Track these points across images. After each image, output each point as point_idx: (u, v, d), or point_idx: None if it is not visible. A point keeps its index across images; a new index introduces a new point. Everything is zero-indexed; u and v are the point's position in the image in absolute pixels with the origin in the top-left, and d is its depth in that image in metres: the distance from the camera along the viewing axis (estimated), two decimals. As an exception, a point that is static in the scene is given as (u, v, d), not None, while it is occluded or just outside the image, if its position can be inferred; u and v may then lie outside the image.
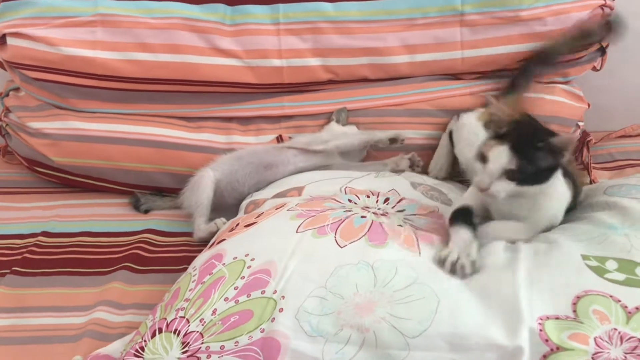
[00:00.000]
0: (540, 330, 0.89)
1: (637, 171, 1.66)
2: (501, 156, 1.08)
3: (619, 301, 0.92)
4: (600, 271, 0.99)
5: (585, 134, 1.70)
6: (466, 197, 1.21)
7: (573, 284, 0.96)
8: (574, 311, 0.91)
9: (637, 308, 0.90)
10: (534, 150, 1.08)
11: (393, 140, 1.53)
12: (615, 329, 0.88)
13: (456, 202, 1.24)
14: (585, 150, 1.67)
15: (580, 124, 1.66)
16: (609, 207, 1.20)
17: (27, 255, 1.42)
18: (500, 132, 1.11)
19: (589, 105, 1.67)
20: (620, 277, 0.97)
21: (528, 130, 1.14)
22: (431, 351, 0.91)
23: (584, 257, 1.03)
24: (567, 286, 0.96)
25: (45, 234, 1.50)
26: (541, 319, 0.91)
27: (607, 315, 0.90)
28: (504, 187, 1.09)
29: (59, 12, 1.58)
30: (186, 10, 1.60)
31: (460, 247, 1.08)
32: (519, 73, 1.56)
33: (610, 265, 1.00)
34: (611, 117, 1.88)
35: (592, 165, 1.66)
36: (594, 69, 1.69)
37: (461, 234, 1.11)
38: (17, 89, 1.70)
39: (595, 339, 0.87)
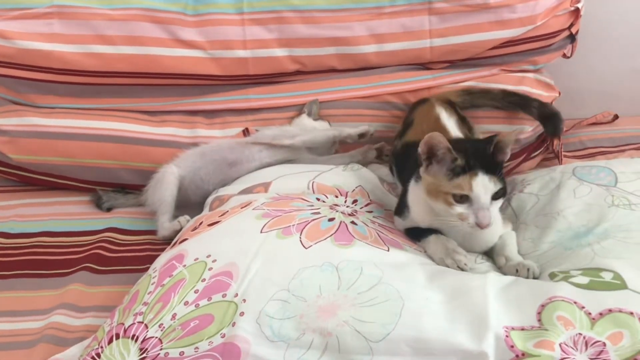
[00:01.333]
0: (506, 336, 0.87)
1: (608, 158, 1.65)
2: (485, 185, 1.06)
3: (583, 307, 0.90)
4: (564, 278, 0.98)
5: (556, 122, 1.69)
6: (416, 220, 1.18)
7: (538, 292, 0.95)
8: (539, 320, 0.89)
9: (600, 314, 0.89)
10: (491, 159, 1.07)
11: (362, 135, 1.51)
12: (580, 334, 0.87)
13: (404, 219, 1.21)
14: (555, 139, 1.65)
15: (543, 102, 1.64)
16: (576, 197, 1.21)
17: (-17, 258, 1.38)
18: (460, 164, 1.07)
19: (559, 93, 1.65)
20: (584, 280, 0.96)
21: (472, 147, 1.11)
22: (394, 356, 0.89)
23: (551, 276, 1.03)
24: (533, 295, 0.94)
25: (3, 234, 1.46)
26: (507, 328, 0.89)
27: (571, 320, 0.89)
28: (494, 210, 1.08)
29: (13, 3, 1.53)
30: (146, 0, 1.55)
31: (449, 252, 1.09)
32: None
33: (575, 272, 1.00)
34: (583, 104, 1.87)
35: (563, 153, 1.65)
36: (564, 56, 1.67)
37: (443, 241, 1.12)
38: (-29, 85, 1.64)
39: (560, 344, 0.86)
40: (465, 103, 1.55)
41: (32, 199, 1.59)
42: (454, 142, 1.09)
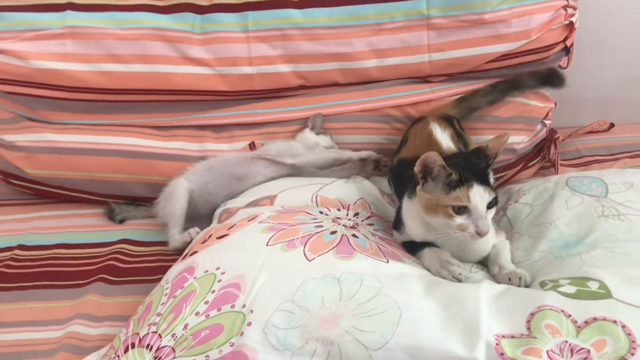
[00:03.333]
0: (497, 344, 0.93)
1: (603, 167, 1.70)
2: (482, 195, 1.11)
3: (570, 316, 0.96)
4: (553, 287, 1.04)
5: (552, 131, 1.74)
6: (410, 235, 1.24)
7: (528, 301, 1.00)
8: (528, 328, 0.95)
9: (586, 322, 0.94)
10: (486, 168, 1.13)
11: (363, 160, 1.55)
12: (566, 341, 0.92)
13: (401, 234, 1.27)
14: (552, 148, 1.71)
15: (547, 122, 1.69)
16: (568, 208, 1.27)
17: (3, 269, 1.44)
18: (451, 180, 1.13)
19: (555, 103, 1.70)
20: (572, 289, 1.01)
21: (463, 160, 1.17)
22: (392, 363, 0.95)
23: (542, 284, 1.08)
24: (523, 304, 0.99)
25: (21, 247, 1.51)
26: (498, 336, 0.94)
27: (558, 328, 0.94)
28: (490, 218, 1.14)
29: (28, 25, 1.58)
30: (155, 20, 1.61)
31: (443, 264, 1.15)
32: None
33: (563, 282, 1.05)
34: (579, 112, 1.92)
35: (560, 162, 1.69)
36: (560, 67, 1.71)
37: (437, 253, 1.17)
38: (-11, 102, 1.71)
39: (547, 352, 0.91)
40: (463, 111, 1.60)
41: (48, 211, 1.65)
42: (447, 158, 1.14)
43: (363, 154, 1.55)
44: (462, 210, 1.12)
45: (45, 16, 1.59)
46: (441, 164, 1.12)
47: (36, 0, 1.60)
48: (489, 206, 1.13)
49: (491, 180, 1.17)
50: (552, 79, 1.58)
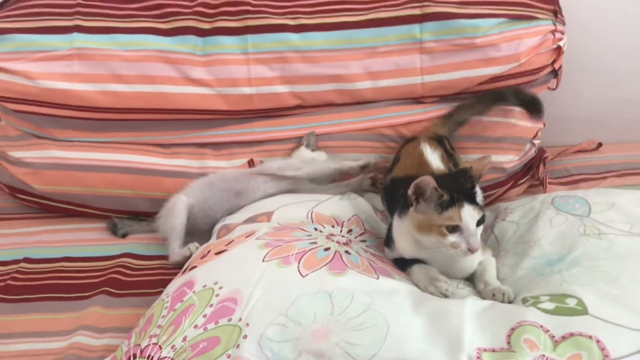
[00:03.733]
0: (478, 357, 0.98)
1: (591, 185, 1.75)
2: (472, 214, 1.18)
3: (548, 331, 1.01)
4: (534, 303, 1.09)
5: (541, 150, 1.79)
6: (400, 252, 1.30)
7: (509, 316, 1.06)
8: (508, 342, 1.00)
9: (563, 337, 1.00)
10: (473, 189, 1.19)
11: (364, 167, 1.62)
12: (544, 355, 0.97)
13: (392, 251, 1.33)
14: (541, 167, 1.76)
15: (536, 141, 1.75)
16: (552, 226, 1.32)
17: (9, 282, 1.49)
18: (442, 201, 1.18)
19: (544, 124, 1.75)
20: (551, 306, 1.07)
21: (451, 181, 1.23)
22: (379, 375, 1.00)
23: (524, 300, 1.13)
24: (504, 319, 1.05)
25: (27, 260, 1.57)
26: (479, 350, 1.00)
27: (536, 343, 0.99)
28: (479, 235, 1.20)
29: (36, 46, 1.64)
30: (158, 42, 1.67)
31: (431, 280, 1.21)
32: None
33: (544, 298, 1.11)
34: (569, 132, 1.98)
35: (548, 180, 1.75)
36: (549, 88, 1.77)
37: (425, 270, 1.23)
38: (-3, 119, 1.77)
39: None
40: (451, 127, 1.64)
41: (52, 225, 1.71)
42: (436, 179, 1.20)
43: (363, 161, 1.61)
44: (454, 229, 1.18)
45: (53, 38, 1.65)
46: (434, 186, 1.18)
47: (44, 23, 1.66)
48: (478, 223, 1.19)
49: (479, 198, 1.23)
50: (532, 106, 1.62)
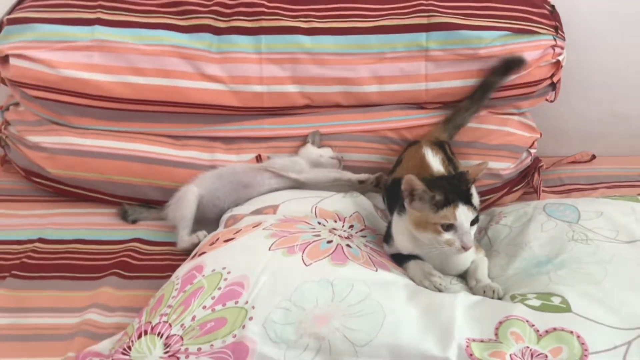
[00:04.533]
0: (467, 346, 1.06)
1: (583, 195, 1.83)
2: (466, 214, 1.25)
3: (533, 325, 1.09)
4: (521, 300, 1.17)
5: (537, 160, 1.87)
6: (398, 248, 1.36)
7: (498, 311, 1.13)
8: (496, 334, 1.08)
9: (546, 331, 1.08)
10: (469, 190, 1.26)
11: (362, 182, 1.67)
12: (528, 347, 1.05)
13: (390, 247, 1.39)
14: (536, 175, 1.83)
15: (532, 151, 1.82)
16: (543, 231, 1.40)
17: (25, 260, 1.56)
18: (436, 200, 1.26)
19: (540, 134, 1.83)
20: (537, 303, 1.14)
21: (447, 182, 1.30)
22: (375, 358, 1.07)
23: (512, 297, 1.21)
24: (493, 313, 1.13)
25: (41, 240, 1.63)
26: (468, 340, 1.07)
27: (521, 335, 1.07)
28: (473, 235, 1.27)
29: (59, 36, 1.71)
30: (176, 38, 1.73)
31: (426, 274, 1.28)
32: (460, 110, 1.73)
33: (531, 296, 1.18)
34: (564, 143, 2.05)
35: (542, 188, 1.82)
36: (548, 100, 1.84)
37: (421, 265, 1.30)
38: (17, 104, 1.83)
39: (511, 355, 1.04)
40: (452, 131, 1.71)
41: (66, 209, 1.77)
42: (434, 180, 1.29)
43: (362, 176, 1.67)
44: (449, 227, 1.26)
45: (75, 29, 1.72)
46: (422, 187, 1.26)
47: (68, 15, 1.73)
48: (472, 223, 1.27)
49: (475, 200, 1.30)
50: (512, 64, 1.67)
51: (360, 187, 1.67)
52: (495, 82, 1.70)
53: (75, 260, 1.57)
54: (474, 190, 1.32)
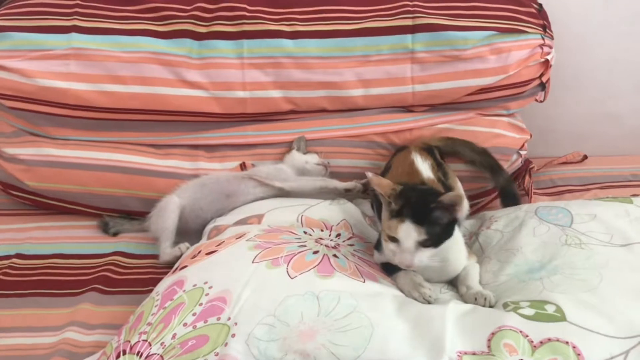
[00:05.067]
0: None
1: (575, 197, 1.80)
2: (409, 233, 1.20)
3: (527, 336, 1.05)
4: (514, 309, 1.12)
5: (527, 161, 1.84)
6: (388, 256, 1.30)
7: (490, 321, 1.09)
8: (489, 346, 1.04)
9: (541, 342, 1.04)
10: (431, 212, 1.21)
11: (348, 190, 1.64)
12: (522, 359, 1.01)
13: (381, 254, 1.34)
14: (527, 177, 1.80)
15: (523, 152, 1.79)
16: (535, 235, 1.36)
17: (1, 277, 1.51)
18: (395, 209, 1.22)
19: (530, 135, 1.80)
20: (531, 312, 1.10)
21: (416, 196, 1.25)
22: (363, 375, 1.03)
23: (504, 305, 1.16)
24: (485, 324, 1.08)
25: (19, 255, 1.59)
26: (460, 353, 1.03)
27: (515, 347, 1.03)
28: (424, 256, 1.21)
29: (34, 45, 1.66)
30: (155, 44, 1.69)
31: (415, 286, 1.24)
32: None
33: (524, 304, 1.14)
34: (555, 144, 2.02)
35: (534, 190, 1.79)
36: (537, 101, 1.82)
37: (411, 276, 1.26)
38: (-8, 115, 1.78)
39: None
40: (446, 147, 1.67)
41: (45, 222, 1.72)
42: (410, 188, 1.26)
43: (349, 184, 1.64)
44: (393, 239, 1.22)
45: (51, 37, 1.67)
46: (379, 192, 1.23)
47: (43, 22, 1.68)
48: (424, 245, 1.20)
49: (433, 223, 1.21)
50: (509, 198, 1.64)
51: (347, 195, 1.64)
52: (498, 182, 1.66)
53: (54, 276, 1.53)
54: (438, 213, 1.22)
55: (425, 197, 1.23)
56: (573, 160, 1.97)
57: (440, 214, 1.21)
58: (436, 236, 1.21)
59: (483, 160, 1.67)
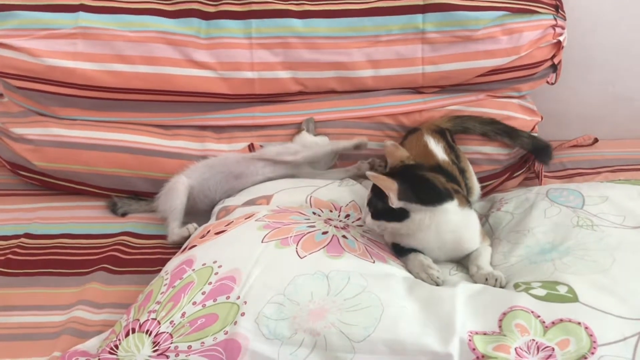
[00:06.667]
0: (470, 340, 1.01)
1: (585, 180, 1.78)
2: (367, 195, 1.24)
3: (539, 316, 1.04)
4: (526, 289, 1.12)
5: (538, 144, 1.81)
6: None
7: (501, 301, 1.08)
8: (500, 326, 1.03)
9: (553, 323, 1.03)
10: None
11: (357, 147, 1.64)
12: (533, 340, 1.00)
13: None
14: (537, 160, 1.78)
15: (533, 134, 1.77)
16: (546, 217, 1.35)
17: (10, 256, 1.51)
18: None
19: (541, 117, 1.78)
20: (542, 292, 1.09)
21: (401, 174, 1.28)
22: (373, 354, 1.03)
23: (515, 286, 1.16)
24: (496, 304, 1.08)
25: (27, 235, 1.58)
26: (471, 333, 1.02)
27: (527, 328, 1.02)
28: (369, 221, 1.28)
29: (41, 24, 1.65)
30: (163, 23, 1.68)
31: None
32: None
33: (535, 284, 1.13)
34: (566, 127, 2.00)
35: (544, 174, 1.77)
36: (548, 83, 1.79)
37: (420, 258, 1.27)
38: (0, 95, 1.77)
39: (516, 349, 0.99)
40: (456, 127, 1.66)
41: (53, 202, 1.72)
42: (413, 167, 1.32)
43: (356, 140, 1.64)
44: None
45: (58, 16, 1.66)
46: (388, 160, 1.39)
47: (50, 1, 1.67)
48: (372, 215, 1.28)
49: (380, 201, 1.27)
50: (543, 152, 1.66)
51: (358, 167, 1.65)
52: (521, 143, 1.67)
53: (63, 255, 1.53)
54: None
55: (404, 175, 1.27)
56: (584, 143, 1.95)
57: (381, 192, 1.24)
58: (376, 210, 1.27)
59: (495, 129, 1.66)
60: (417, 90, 1.73)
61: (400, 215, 1.24)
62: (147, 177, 1.70)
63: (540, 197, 1.44)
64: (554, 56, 1.71)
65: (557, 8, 1.70)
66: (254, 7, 1.69)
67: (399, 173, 1.30)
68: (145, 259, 1.52)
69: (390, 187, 1.22)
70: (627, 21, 1.91)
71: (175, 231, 1.53)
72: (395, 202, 1.22)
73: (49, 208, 1.70)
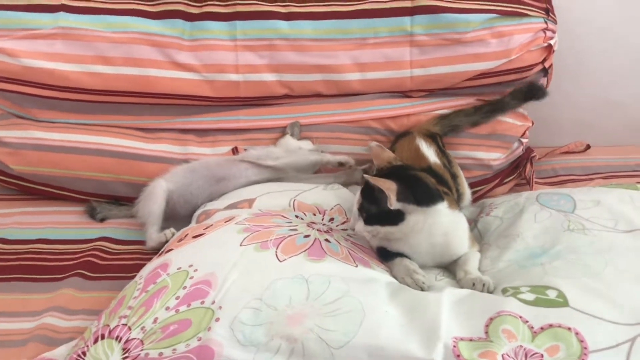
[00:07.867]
0: (454, 346, 0.96)
1: (577, 186, 1.73)
2: (356, 199, 1.20)
3: (527, 321, 0.99)
4: (514, 294, 1.07)
5: (529, 150, 1.78)
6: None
7: (488, 306, 1.04)
8: (486, 332, 0.98)
9: (542, 328, 0.98)
10: (377, 194, 1.18)
11: (341, 164, 1.60)
12: (521, 346, 0.96)
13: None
14: (528, 166, 1.74)
15: (524, 140, 1.73)
16: (536, 221, 1.31)
17: (-18, 262, 1.46)
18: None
19: (532, 122, 1.74)
20: (531, 297, 1.05)
21: (390, 175, 1.23)
22: (353, 361, 0.97)
23: (504, 291, 1.11)
24: (483, 309, 1.03)
25: (2, 240, 1.53)
26: (455, 339, 0.97)
27: (514, 333, 0.97)
28: (360, 227, 1.22)
29: (20, 24, 1.62)
30: (145, 24, 1.65)
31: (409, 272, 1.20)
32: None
33: (524, 289, 1.09)
34: (558, 133, 1.97)
35: (535, 180, 1.73)
36: (539, 87, 1.76)
37: (406, 263, 1.22)
38: (-23, 97, 1.73)
39: (502, 355, 0.94)
40: (444, 128, 1.63)
41: (30, 207, 1.67)
42: (401, 168, 1.28)
43: (342, 158, 1.60)
44: None
45: (38, 16, 1.62)
46: (375, 162, 1.33)
47: (30, 1, 1.63)
48: (364, 219, 1.23)
49: (374, 204, 1.22)
50: (533, 91, 1.63)
51: (350, 173, 1.60)
52: (511, 105, 1.64)
53: (37, 261, 1.48)
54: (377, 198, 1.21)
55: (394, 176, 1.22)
56: (576, 150, 1.92)
57: (384, 198, 1.18)
58: (369, 215, 1.22)
59: (483, 113, 1.64)
60: (405, 94, 1.70)
61: (396, 218, 1.19)
62: (128, 182, 1.66)
63: (530, 201, 1.40)
64: (544, 60, 1.68)
65: (548, 11, 1.67)
66: (239, 8, 1.65)
67: (390, 174, 1.25)
68: (123, 264, 1.47)
69: (390, 188, 1.17)
70: (620, 26, 1.89)
71: (153, 236, 1.49)
72: (394, 204, 1.17)
73: (26, 213, 1.65)
